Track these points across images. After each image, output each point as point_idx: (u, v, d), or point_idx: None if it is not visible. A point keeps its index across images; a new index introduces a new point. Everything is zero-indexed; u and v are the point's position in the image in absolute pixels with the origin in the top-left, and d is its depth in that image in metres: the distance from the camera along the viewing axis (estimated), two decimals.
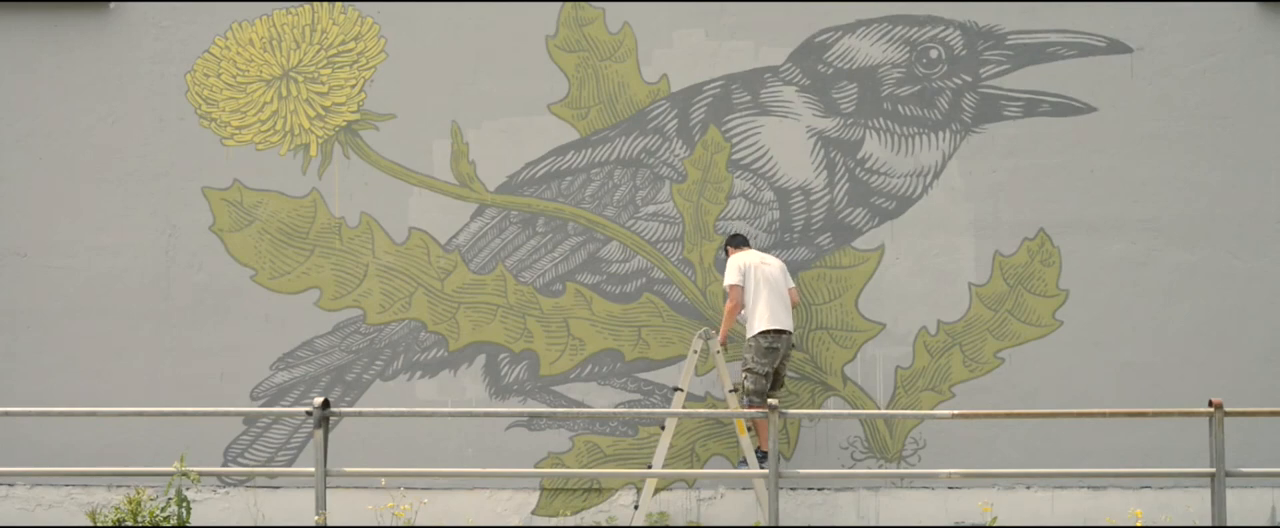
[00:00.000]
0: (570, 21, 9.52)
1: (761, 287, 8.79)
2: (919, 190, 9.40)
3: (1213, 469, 7.62)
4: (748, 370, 8.79)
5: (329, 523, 7.81)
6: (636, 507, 8.94)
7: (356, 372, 9.53)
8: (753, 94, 9.46)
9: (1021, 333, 9.33)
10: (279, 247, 9.56)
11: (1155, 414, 8.06)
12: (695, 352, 8.90)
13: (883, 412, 9.31)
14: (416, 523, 8.84)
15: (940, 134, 9.40)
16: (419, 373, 9.50)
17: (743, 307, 8.85)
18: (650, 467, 8.95)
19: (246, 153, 9.61)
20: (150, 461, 9.02)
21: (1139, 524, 8.27)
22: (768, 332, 8.71)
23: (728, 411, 9.00)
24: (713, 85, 9.49)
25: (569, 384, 9.45)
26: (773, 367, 8.79)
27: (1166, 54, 9.35)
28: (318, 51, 9.60)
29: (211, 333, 9.54)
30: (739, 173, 9.43)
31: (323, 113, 9.59)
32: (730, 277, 8.86)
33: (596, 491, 9.39)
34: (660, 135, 9.48)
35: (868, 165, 9.39)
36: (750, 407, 8.71)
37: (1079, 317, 9.31)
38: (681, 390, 8.90)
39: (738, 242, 9.15)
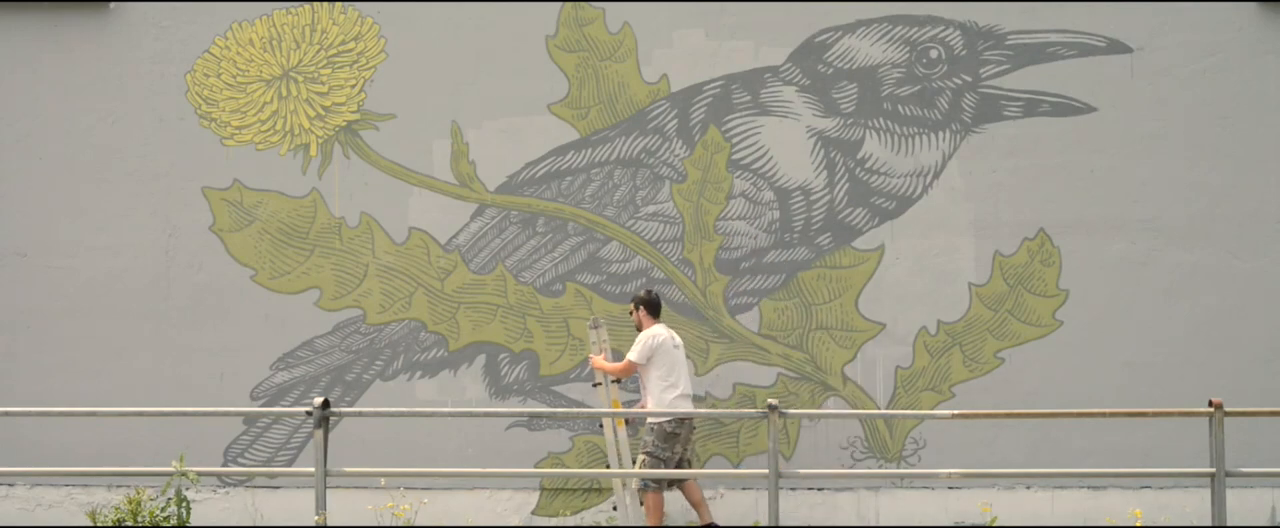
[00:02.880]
0: (570, 21, 9.52)
1: (677, 370, 8.66)
2: (919, 190, 9.40)
3: (1213, 469, 7.63)
4: (647, 454, 8.60)
5: (329, 523, 7.81)
6: (615, 508, 9.05)
7: (356, 372, 9.53)
8: (753, 94, 9.46)
9: (1021, 333, 9.33)
10: (279, 247, 9.57)
11: (1155, 414, 8.07)
12: (593, 343, 9.07)
13: (883, 412, 9.31)
14: (416, 523, 8.85)
15: (940, 134, 9.40)
16: (419, 373, 9.50)
17: (627, 376, 8.84)
18: (608, 467, 9.02)
19: (246, 153, 9.61)
20: (150, 461, 9.01)
21: (1139, 524, 8.28)
22: (678, 418, 8.61)
23: (727, 411, 9.02)
24: (713, 85, 9.49)
25: (569, 384, 9.45)
26: (677, 454, 8.66)
27: (1166, 54, 9.35)
28: (318, 51, 9.60)
29: (211, 333, 9.54)
30: (739, 173, 9.43)
31: (323, 113, 9.60)
32: (634, 353, 8.65)
33: (596, 491, 9.39)
34: (660, 135, 9.49)
35: (868, 165, 9.40)
36: (644, 489, 8.65)
37: (1079, 317, 9.31)
38: (599, 384, 9.01)
39: (654, 308, 8.88)
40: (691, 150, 9.46)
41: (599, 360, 8.94)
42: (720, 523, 9.19)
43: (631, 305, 8.99)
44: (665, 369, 8.65)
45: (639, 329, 8.88)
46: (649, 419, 8.69)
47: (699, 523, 8.87)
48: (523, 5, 9.55)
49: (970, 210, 9.39)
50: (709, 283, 9.44)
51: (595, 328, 9.07)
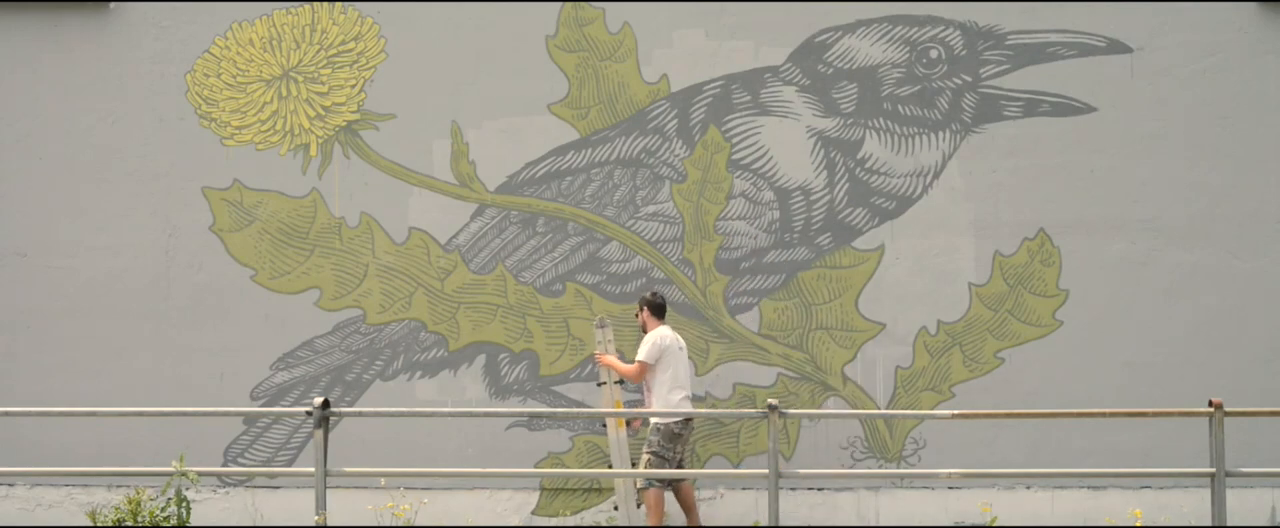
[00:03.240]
0: (570, 21, 9.52)
1: (681, 372, 8.71)
2: (919, 190, 9.40)
3: (1213, 469, 7.63)
4: (652, 454, 8.64)
5: (329, 523, 7.81)
6: (615, 508, 9.02)
7: (356, 372, 9.53)
8: (753, 94, 9.46)
9: (1021, 333, 9.33)
10: (279, 247, 9.57)
11: (1155, 414, 8.07)
12: (599, 343, 9.03)
13: (883, 412, 9.31)
14: (416, 523, 8.85)
15: (940, 134, 9.40)
16: (419, 373, 9.50)
17: (638, 380, 8.81)
18: (609, 466, 9.00)
19: (246, 153, 9.61)
20: (150, 461, 9.01)
21: (1139, 524, 8.28)
22: (683, 419, 8.65)
23: (727, 411, 9.02)
24: (713, 85, 9.49)
25: (569, 384, 9.45)
26: (679, 454, 8.69)
27: (1166, 54, 9.35)
28: (318, 51, 9.60)
29: (211, 333, 9.54)
30: (739, 173, 9.43)
31: (323, 113, 9.60)
32: (645, 353, 8.68)
33: (596, 491, 9.39)
34: (660, 135, 9.49)
35: (868, 165, 9.40)
36: (648, 488, 8.66)
37: (1079, 317, 9.31)
38: (605, 383, 9.00)
39: (659, 310, 8.93)
40: (691, 150, 9.46)
41: (609, 359, 8.93)
42: (720, 524, 9.19)
43: (637, 306, 9.00)
44: (671, 371, 8.67)
45: (643, 330, 8.89)
46: (654, 420, 8.70)
47: (686, 525, 8.88)
48: (523, 5, 9.55)
49: (970, 210, 9.39)
50: (709, 283, 9.44)
51: (602, 327, 9.07)
